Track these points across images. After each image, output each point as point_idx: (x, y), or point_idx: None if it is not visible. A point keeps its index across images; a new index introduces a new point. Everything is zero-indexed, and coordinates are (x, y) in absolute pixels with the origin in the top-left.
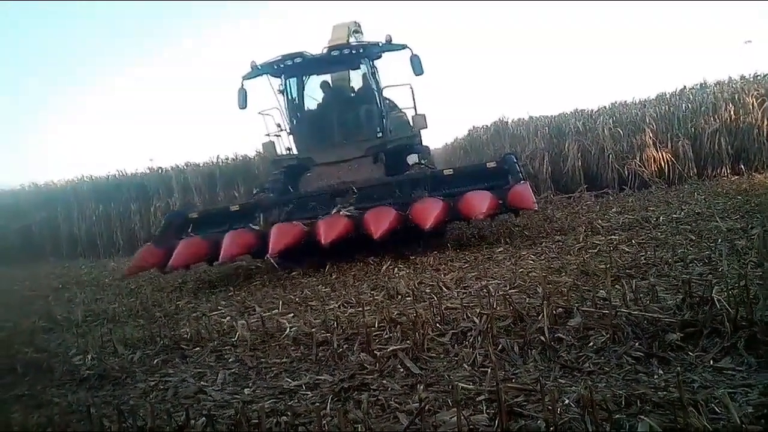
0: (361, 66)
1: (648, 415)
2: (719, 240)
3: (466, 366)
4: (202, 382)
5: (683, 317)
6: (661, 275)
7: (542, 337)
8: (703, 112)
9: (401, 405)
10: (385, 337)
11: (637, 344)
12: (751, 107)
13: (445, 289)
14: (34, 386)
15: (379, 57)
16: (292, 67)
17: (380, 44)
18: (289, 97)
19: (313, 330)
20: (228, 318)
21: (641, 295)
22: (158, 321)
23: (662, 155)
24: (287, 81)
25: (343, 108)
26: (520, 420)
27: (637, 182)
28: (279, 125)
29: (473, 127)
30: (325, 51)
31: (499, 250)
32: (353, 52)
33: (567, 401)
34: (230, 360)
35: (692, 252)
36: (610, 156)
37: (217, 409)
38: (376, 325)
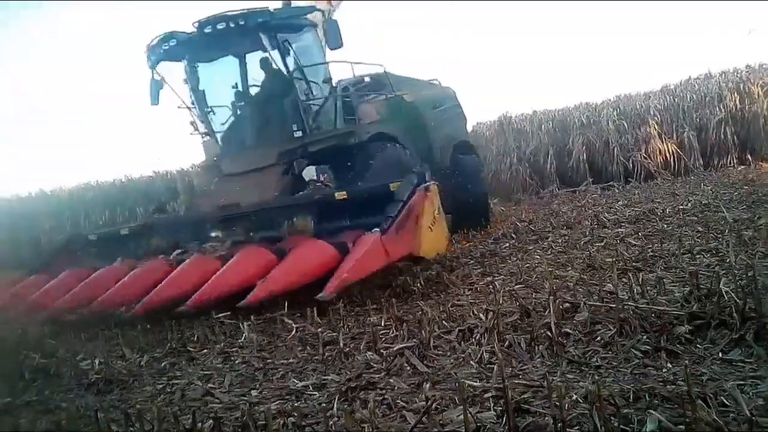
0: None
1: (656, 409)
2: (726, 231)
3: (473, 363)
4: (209, 385)
5: (691, 309)
6: (669, 267)
7: (549, 333)
8: (708, 102)
9: (408, 404)
10: (392, 335)
11: (644, 338)
12: (756, 96)
13: (451, 286)
14: (42, 392)
15: (298, 30)
16: (178, 51)
17: (272, 10)
18: (195, 89)
19: (320, 330)
20: (234, 319)
21: (648, 288)
22: (165, 324)
23: (667, 147)
24: (190, 68)
25: (261, 100)
26: (528, 417)
27: (642, 174)
28: (193, 123)
29: (477, 122)
30: (196, 27)
31: (505, 245)
32: (231, 24)
33: (574, 397)
34: (237, 362)
35: (699, 243)
36: (615, 149)
37: (224, 412)
38: (383, 324)
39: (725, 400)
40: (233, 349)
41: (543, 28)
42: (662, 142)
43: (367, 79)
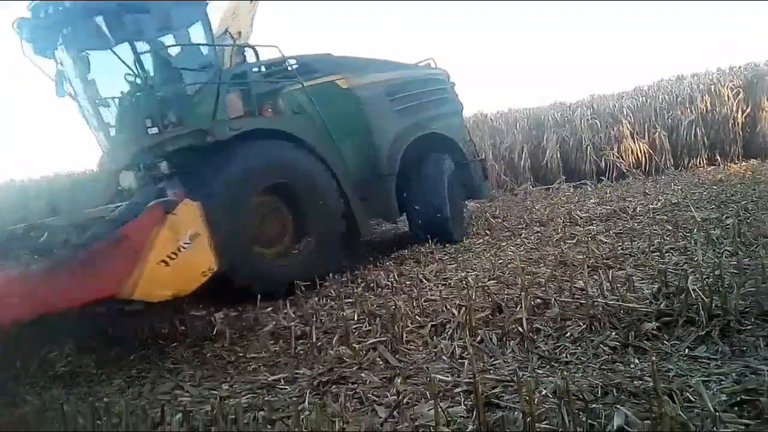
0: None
1: (624, 404)
2: (695, 230)
3: (445, 358)
4: (179, 378)
5: (659, 307)
6: (638, 265)
7: (520, 328)
8: (680, 103)
9: (379, 398)
10: (364, 329)
11: (613, 334)
12: (726, 98)
13: (424, 281)
14: (6, 384)
15: (144, 11)
16: (42, 40)
17: None
18: (76, 80)
19: (292, 324)
20: (205, 312)
21: (618, 285)
22: (135, 317)
23: (639, 146)
24: (65, 57)
25: (130, 92)
26: (498, 411)
27: (615, 173)
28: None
29: None
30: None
31: (479, 241)
32: (59, 7)
33: (544, 392)
34: (208, 355)
35: (668, 242)
36: (589, 147)
37: (193, 405)
38: (356, 318)
39: (690, 396)
40: (204, 342)
41: (518, 32)
42: (634, 141)
43: (291, 62)
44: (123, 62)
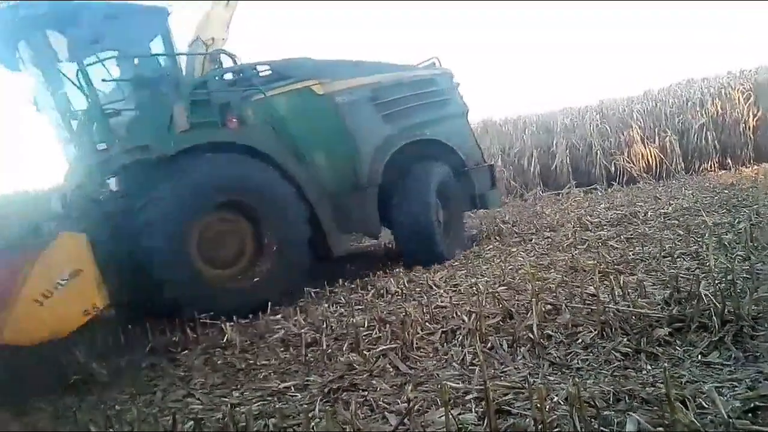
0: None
1: (636, 411)
2: (706, 235)
3: (456, 365)
4: (190, 386)
5: (671, 312)
6: (649, 270)
7: (531, 335)
8: (690, 107)
9: (390, 405)
10: (375, 336)
11: (625, 340)
12: (737, 102)
13: (434, 288)
14: (21, 393)
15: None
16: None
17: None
18: (47, 92)
19: (303, 331)
20: (216, 320)
21: (629, 290)
22: (146, 324)
23: (650, 151)
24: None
25: (89, 106)
26: (509, 418)
27: (625, 178)
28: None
29: None
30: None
31: (489, 247)
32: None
33: (555, 398)
34: (219, 362)
35: (680, 247)
36: (598, 152)
37: (204, 413)
38: (366, 325)
39: (704, 403)
40: (215, 350)
41: (532, 32)
42: (644, 146)
43: (262, 68)
44: (67, 77)
